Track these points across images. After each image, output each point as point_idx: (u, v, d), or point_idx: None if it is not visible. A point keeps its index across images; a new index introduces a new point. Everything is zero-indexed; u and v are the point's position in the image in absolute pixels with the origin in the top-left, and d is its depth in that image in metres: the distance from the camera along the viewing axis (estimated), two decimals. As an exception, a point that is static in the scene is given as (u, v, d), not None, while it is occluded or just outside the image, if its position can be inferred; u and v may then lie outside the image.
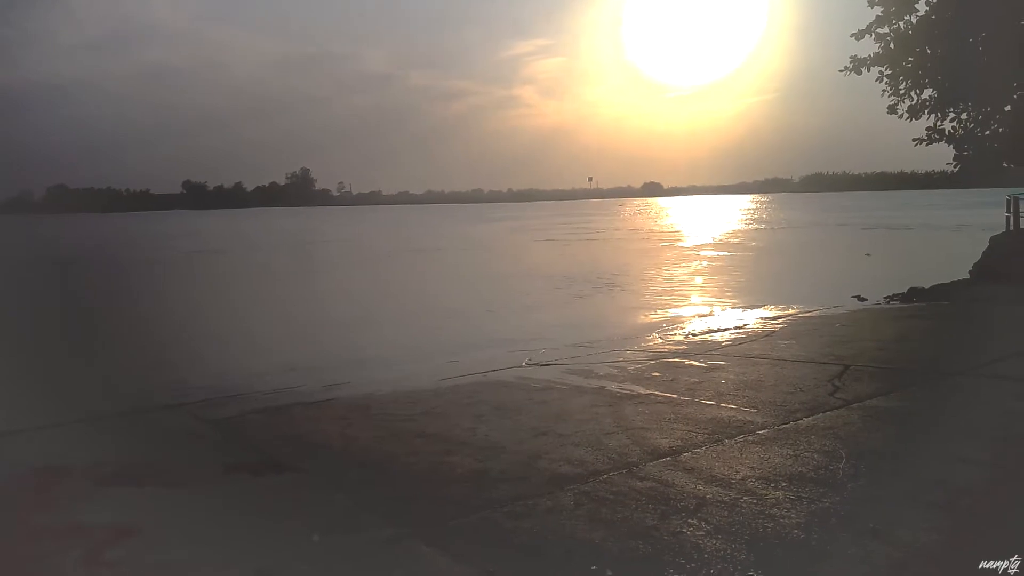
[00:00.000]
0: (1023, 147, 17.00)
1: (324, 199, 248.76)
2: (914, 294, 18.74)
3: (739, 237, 57.19)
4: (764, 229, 68.31)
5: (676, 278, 29.37)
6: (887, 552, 4.68)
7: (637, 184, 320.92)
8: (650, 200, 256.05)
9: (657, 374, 10.08)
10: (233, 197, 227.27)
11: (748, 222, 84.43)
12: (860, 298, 19.22)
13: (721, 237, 57.68)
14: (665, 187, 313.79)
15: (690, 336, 13.89)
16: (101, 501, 5.91)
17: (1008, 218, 20.85)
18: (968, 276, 20.16)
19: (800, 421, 7.49)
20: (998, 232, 20.81)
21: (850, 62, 17.75)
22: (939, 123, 17.51)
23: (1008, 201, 21.02)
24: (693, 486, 5.83)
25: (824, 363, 10.24)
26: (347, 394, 10.20)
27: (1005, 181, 22.43)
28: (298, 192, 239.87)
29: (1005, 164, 17.96)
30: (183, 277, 36.56)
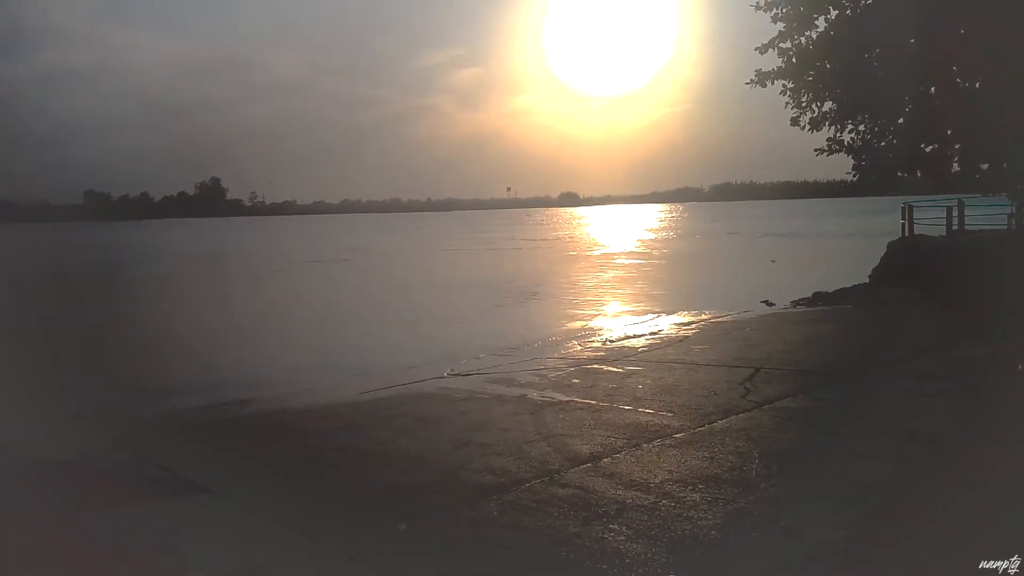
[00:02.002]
0: (915, 158, 17.88)
1: (236, 209, 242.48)
2: (818, 298, 19.50)
3: (651, 246, 58.39)
4: (674, 238, 69.94)
5: (593, 286, 29.77)
6: (799, 548, 4.86)
7: (554, 194, 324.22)
8: (566, 209, 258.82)
9: (577, 381, 10.21)
10: (139, 207, 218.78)
11: (659, 231, 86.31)
12: (768, 303, 19.89)
13: (635, 246, 58.78)
14: (581, 196, 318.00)
15: (608, 343, 14.12)
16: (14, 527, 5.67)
17: (903, 225, 21.90)
18: (868, 280, 21.09)
19: (714, 424, 7.71)
20: (895, 238, 21.84)
21: (755, 75, 18.34)
22: (839, 134, 18.22)
23: (903, 209, 22.09)
24: (613, 491, 5.94)
25: (736, 367, 10.56)
26: (264, 409, 10.00)
27: (902, 189, 23.55)
28: (209, 202, 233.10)
29: (899, 174, 18.86)
30: (90, 291, 35.00)
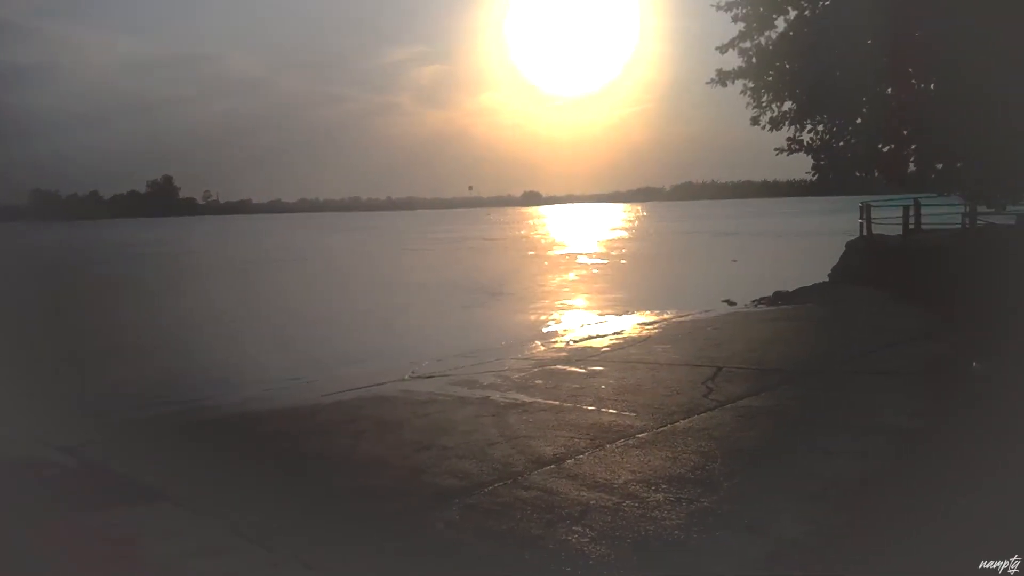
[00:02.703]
0: (873, 157, 18.17)
1: (189, 208, 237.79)
2: (779, 297, 19.70)
3: (613, 246, 58.70)
4: (635, 237, 70.39)
5: (555, 287, 29.82)
6: (762, 545, 4.85)
7: (517, 193, 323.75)
8: (528, 209, 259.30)
9: (540, 382, 10.15)
10: (89, 207, 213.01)
11: (620, 230, 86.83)
12: (729, 302, 20.04)
13: (596, 245, 59.04)
14: (544, 196, 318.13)
15: (571, 343, 14.09)
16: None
17: (862, 224, 22.23)
18: (828, 279, 21.37)
19: (677, 423, 7.70)
20: (853, 237, 22.15)
21: (716, 75, 18.51)
22: (798, 134, 18.47)
23: (861, 208, 22.43)
24: (577, 493, 5.88)
25: (698, 366, 10.58)
26: (223, 414, 9.78)
27: (863, 188, 23.90)
28: (160, 201, 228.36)
29: (857, 173, 19.14)
30: (42, 294, 34.11)
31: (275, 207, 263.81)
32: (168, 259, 54.94)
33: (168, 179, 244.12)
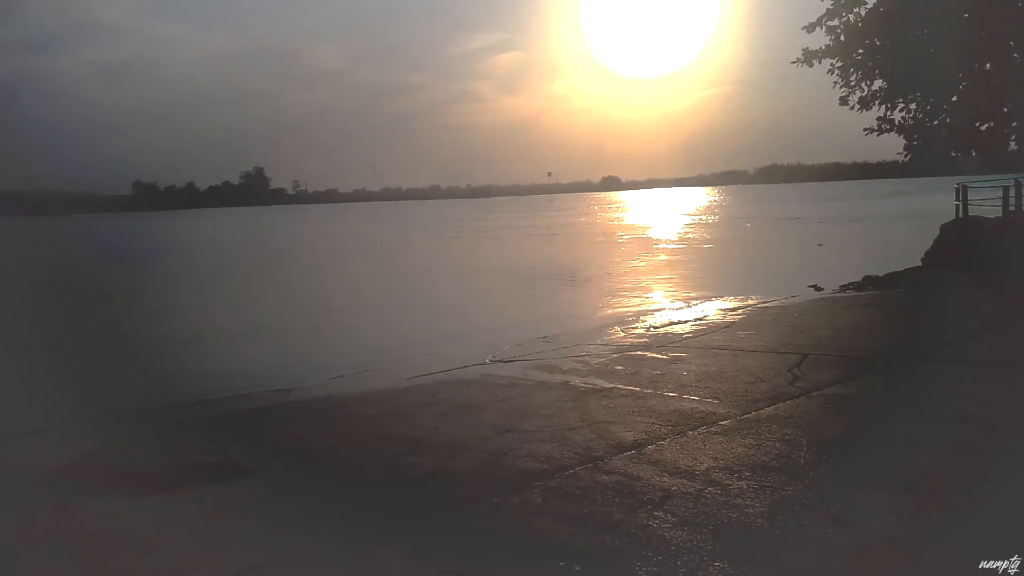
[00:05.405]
0: (969, 136, 17.42)
1: (279, 198, 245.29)
2: (868, 282, 19.07)
3: (693, 230, 57.79)
4: (718, 221, 69.08)
5: (635, 272, 29.56)
6: (847, 537, 4.75)
7: (596, 178, 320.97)
8: (606, 194, 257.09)
9: (620, 367, 10.13)
10: (185, 197, 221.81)
11: (701, 214, 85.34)
12: (816, 287, 19.52)
13: (676, 230, 58.23)
14: (623, 180, 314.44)
15: (651, 329, 13.99)
16: (79, 505, 5.84)
17: (957, 206, 21.34)
18: (920, 264, 20.60)
19: (761, 411, 7.58)
20: (948, 220, 21.29)
21: (802, 54, 18.03)
22: (889, 113, 17.88)
23: (957, 189, 21.53)
24: (658, 478, 5.87)
25: (783, 352, 10.38)
26: (306, 396, 10.11)
27: (959, 169, 22.96)
28: (253, 191, 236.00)
29: (952, 153, 18.39)
30: (138, 281, 35.73)
31: (359, 196, 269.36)
32: (261, 248, 56.67)
33: (260, 170, 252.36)
